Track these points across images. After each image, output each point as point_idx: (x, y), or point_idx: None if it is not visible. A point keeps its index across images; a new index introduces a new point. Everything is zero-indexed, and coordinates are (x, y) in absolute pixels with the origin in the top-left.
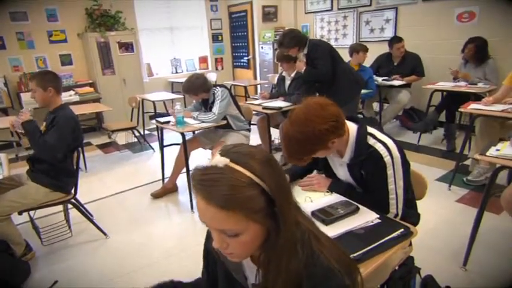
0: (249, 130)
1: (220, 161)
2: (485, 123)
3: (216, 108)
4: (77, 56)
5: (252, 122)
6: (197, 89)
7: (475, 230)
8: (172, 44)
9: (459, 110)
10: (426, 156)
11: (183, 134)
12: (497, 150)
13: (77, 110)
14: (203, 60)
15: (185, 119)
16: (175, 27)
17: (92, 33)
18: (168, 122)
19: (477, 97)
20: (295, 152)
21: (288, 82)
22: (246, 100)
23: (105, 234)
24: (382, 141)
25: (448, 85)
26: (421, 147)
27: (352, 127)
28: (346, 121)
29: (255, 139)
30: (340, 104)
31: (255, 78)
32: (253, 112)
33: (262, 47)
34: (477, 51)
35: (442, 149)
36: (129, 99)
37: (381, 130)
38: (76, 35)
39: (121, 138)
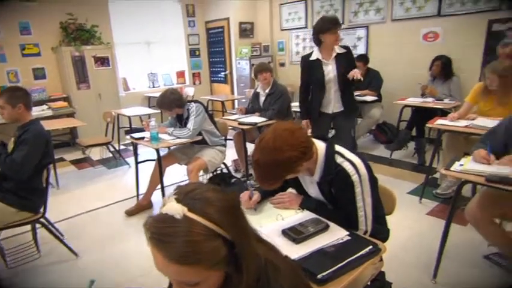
0: (224, 145)
1: (177, 210)
2: (451, 138)
3: (190, 124)
4: (51, 70)
5: (228, 137)
6: (171, 104)
7: (443, 243)
8: (149, 58)
9: (426, 125)
10: (398, 169)
11: (157, 150)
12: (461, 165)
13: (50, 125)
14: (180, 74)
15: (160, 135)
16: (152, 42)
17: (66, 47)
18: (142, 138)
19: (443, 113)
20: (266, 177)
21: (262, 98)
22: (223, 115)
23: (75, 254)
24: (349, 160)
25: (416, 101)
26: (394, 161)
27: (320, 147)
28: (315, 140)
29: (231, 154)
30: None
31: (232, 93)
32: (229, 127)
33: (239, 63)
34: (443, 68)
35: (413, 163)
36: (104, 114)
37: (354, 145)
38: (50, 49)
39: (95, 154)
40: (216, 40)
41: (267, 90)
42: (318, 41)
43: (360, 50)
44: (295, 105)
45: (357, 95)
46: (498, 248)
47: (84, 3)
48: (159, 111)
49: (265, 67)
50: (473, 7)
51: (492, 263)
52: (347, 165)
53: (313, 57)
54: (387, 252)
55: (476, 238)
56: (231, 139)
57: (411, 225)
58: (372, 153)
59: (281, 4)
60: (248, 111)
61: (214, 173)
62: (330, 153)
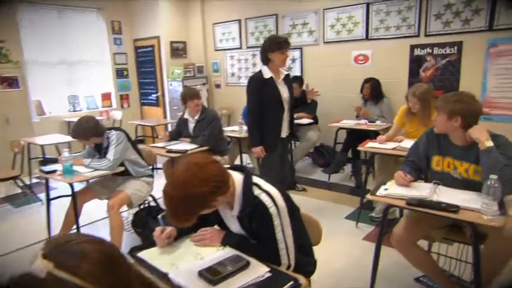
0: (151, 176)
1: (41, 267)
2: (381, 161)
3: (111, 154)
4: None
5: (157, 166)
6: (86, 134)
7: (375, 268)
8: (70, 79)
9: (357, 148)
10: (336, 193)
11: (71, 185)
12: (386, 189)
13: None
14: (106, 96)
15: (75, 167)
16: (73, 61)
17: None
18: (55, 171)
19: (376, 134)
20: (177, 214)
21: (191, 125)
22: (154, 141)
23: None
24: (266, 191)
25: (350, 123)
26: (332, 185)
27: (237, 178)
28: (232, 172)
29: (161, 185)
30: None
31: (165, 116)
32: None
33: (171, 84)
34: (372, 90)
35: (351, 186)
36: (11, 143)
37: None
38: None
39: (0, 190)
40: (146, 60)
41: (196, 117)
42: (266, 59)
43: (295, 72)
44: (231, 130)
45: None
46: (424, 273)
47: None
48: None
49: (197, 93)
50: (396, 32)
51: (423, 285)
52: (264, 197)
53: (267, 76)
54: (322, 283)
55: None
56: (160, 168)
57: (348, 251)
58: (310, 177)
59: (214, 24)
60: (173, 137)
61: (141, 207)
62: (247, 185)
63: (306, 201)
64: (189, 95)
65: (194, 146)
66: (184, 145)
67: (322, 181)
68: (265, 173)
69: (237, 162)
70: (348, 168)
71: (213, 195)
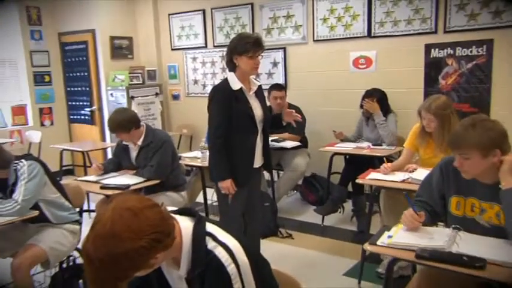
0: (79, 222)
1: None
2: (388, 197)
3: (19, 193)
4: None
5: (89, 208)
6: None
7: None
8: None
9: (356, 180)
10: (333, 241)
11: None
12: (390, 236)
13: None
14: (19, 111)
15: None
16: None
17: None
18: None
19: (382, 162)
20: (101, 278)
21: (134, 153)
22: (86, 172)
23: None
24: (223, 244)
25: (348, 147)
26: (327, 229)
27: (186, 227)
28: (179, 218)
29: None
30: None
31: (103, 138)
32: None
33: (112, 94)
34: (379, 106)
35: (352, 230)
36: None
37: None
38: None
39: None
40: (76, 61)
41: (139, 142)
42: (231, 64)
43: (276, 79)
44: (192, 156)
45: (273, 140)
46: None
47: None
48: None
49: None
50: (407, 28)
51: None
52: (220, 252)
53: (236, 86)
54: None
55: None
56: (92, 210)
57: None
58: (298, 219)
59: (171, 15)
60: (107, 170)
61: (63, 266)
62: (199, 235)
63: (291, 252)
64: (126, 123)
65: (139, 179)
66: (125, 178)
67: (313, 224)
68: (226, 217)
69: (200, 199)
70: (348, 206)
71: (151, 251)
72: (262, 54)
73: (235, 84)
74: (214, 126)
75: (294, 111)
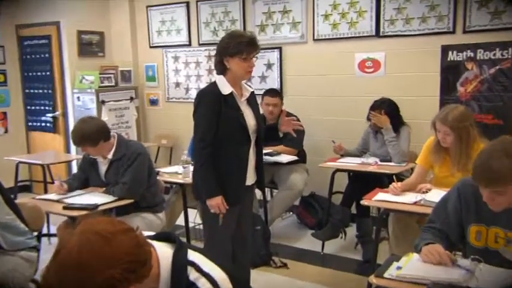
0: (36, 249)
1: None
2: (398, 221)
3: None
4: None
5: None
6: None
7: None
8: None
9: (361, 202)
10: (334, 272)
11: None
12: (399, 268)
13: None
14: None
15: None
16: None
17: None
18: None
19: (392, 180)
20: None
21: (103, 167)
22: (46, 190)
23: None
24: (208, 275)
25: (352, 163)
26: (328, 258)
27: (164, 255)
28: (157, 244)
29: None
30: None
31: (68, 149)
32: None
33: (78, 98)
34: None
35: (356, 259)
36: None
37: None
38: None
39: None
40: (37, 58)
41: (109, 156)
42: (221, 66)
43: (270, 83)
44: (172, 172)
45: (266, 154)
46: None
47: None
48: None
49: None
50: (421, 27)
51: None
52: (204, 284)
53: (226, 90)
54: None
55: None
56: (53, 235)
57: None
58: (295, 246)
59: (149, 7)
60: (71, 187)
61: None
62: (179, 265)
63: (286, 284)
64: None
65: (109, 198)
66: (93, 197)
67: (312, 251)
68: (213, 242)
69: (181, 221)
70: (352, 231)
71: (124, 283)
72: (257, 55)
73: (226, 88)
74: (201, 135)
75: (294, 118)
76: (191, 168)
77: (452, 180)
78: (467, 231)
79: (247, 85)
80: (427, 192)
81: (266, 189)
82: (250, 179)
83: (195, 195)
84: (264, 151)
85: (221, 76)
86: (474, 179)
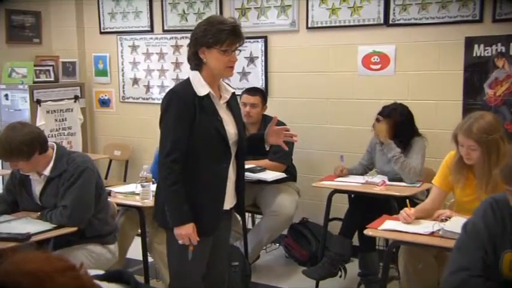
0: None
1: None
2: (410, 256)
3: None
4: None
5: None
6: None
7: None
8: None
9: (365, 231)
10: None
11: None
12: None
13: None
14: None
15: None
16: None
17: None
18: None
19: (404, 204)
20: None
21: (38, 186)
22: None
23: None
24: None
25: (354, 182)
26: None
27: None
28: (106, 286)
29: None
30: None
31: None
32: None
33: (7, 96)
34: (399, 132)
35: None
36: None
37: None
38: None
39: None
40: None
41: (45, 172)
42: (196, 60)
43: (253, 81)
44: (127, 191)
45: (248, 170)
46: None
47: None
48: None
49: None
50: (440, 14)
51: None
52: None
53: (202, 91)
54: None
55: None
56: None
57: None
58: (281, 286)
59: None
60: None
61: None
62: None
63: None
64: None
65: (45, 225)
66: (24, 224)
67: None
68: (180, 281)
69: (137, 255)
70: (354, 268)
71: None
72: (240, 48)
73: (201, 87)
74: (170, 147)
75: (286, 128)
76: (152, 187)
77: (477, 205)
78: (500, 258)
79: (227, 84)
80: (446, 220)
81: (246, 214)
82: (229, 202)
83: (157, 221)
84: (246, 166)
85: (196, 72)
86: (505, 181)
